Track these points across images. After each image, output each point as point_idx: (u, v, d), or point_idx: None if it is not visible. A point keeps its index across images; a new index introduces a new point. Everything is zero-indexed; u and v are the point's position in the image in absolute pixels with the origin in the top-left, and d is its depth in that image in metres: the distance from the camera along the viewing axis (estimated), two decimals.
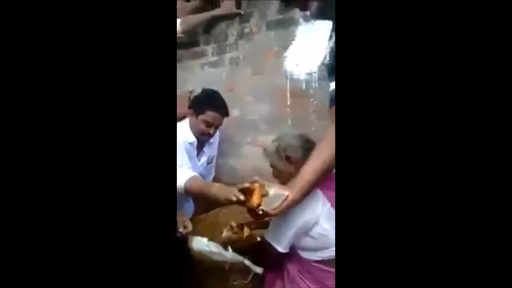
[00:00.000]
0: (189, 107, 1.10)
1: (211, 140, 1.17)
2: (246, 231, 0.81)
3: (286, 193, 0.61)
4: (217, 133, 1.24)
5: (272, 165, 0.88)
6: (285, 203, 0.61)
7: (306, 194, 0.65)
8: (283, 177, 0.84)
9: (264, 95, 1.27)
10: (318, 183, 0.65)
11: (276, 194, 0.62)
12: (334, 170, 0.64)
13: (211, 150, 1.22)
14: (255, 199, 0.61)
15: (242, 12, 1.28)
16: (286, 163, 0.82)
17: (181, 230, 0.83)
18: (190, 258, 0.82)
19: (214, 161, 1.29)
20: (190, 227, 0.88)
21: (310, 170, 0.62)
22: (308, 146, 0.82)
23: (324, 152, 0.62)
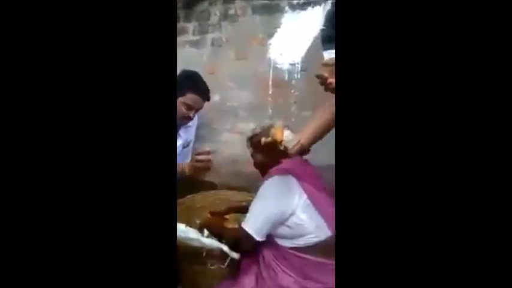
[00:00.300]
0: None
1: (189, 124, 1.15)
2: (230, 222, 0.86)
3: (298, 138, 0.82)
4: (196, 117, 1.22)
5: (252, 155, 0.90)
6: (297, 146, 0.81)
7: (312, 143, 0.85)
8: (261, 168, 0.86)
9: (246, 82, 1.25)
10: (322, 135, 0.84)
11: (290, 137, 0.81)
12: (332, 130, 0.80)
13: (187, 134, 1.19)
14: (278, 135, 0.79)
15: None
16: (264, 153, 0.84)
17: None
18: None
19: (191, 145, 1.26)
20: None
21: (314, 124, 0.84)
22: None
23: (324, 114, 0.81)
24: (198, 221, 0.97)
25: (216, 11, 1.28)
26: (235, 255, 0.79)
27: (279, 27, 1.18)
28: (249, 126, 1.23)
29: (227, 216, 1.00)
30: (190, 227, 0.84)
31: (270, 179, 0.77)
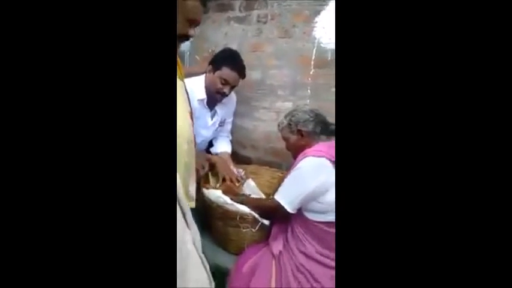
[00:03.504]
0: (209, 63, 1.10)
1: (225, 101, 1.18)
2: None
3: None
4: (234, 98, 1.26)
5: (284, 138, 0.94)
6: None
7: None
8: (295, 150, 0.90)
9: (288, 60, 1.25)
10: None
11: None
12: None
13: (224, 111, 1.23)
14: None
15: None
16: (298, 136, 0.88)
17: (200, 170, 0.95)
18: (205, 207, 0.93)
19: (228, 125, 1.31)
20: (207, 167, 1.01)
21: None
22: (319, 120, 0.87)
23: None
24: (218, 185, 1.07)
25: None
26: (265, 221, 0.87)
27: (327, 4, 1.14)
28: (286, 106, 1.26)
29: (238, 184, 1.09)
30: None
31: (305, 159, 0.81)
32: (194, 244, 0.25)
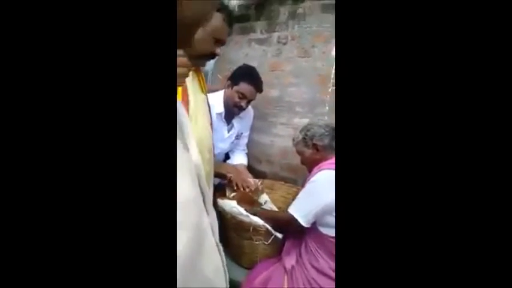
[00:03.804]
0: (228, 79, 1.16)
1: (242, 115, 1.22)
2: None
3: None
4: (251, 112, 1.30)
5: (299, 153, 0.95)
6: None
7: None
8: (310, 164, 0.90)
9: (306, 78, 1.29)
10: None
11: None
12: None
13: (241, 125, 1.28)
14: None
15: None
16: (313, 151, 0.89)
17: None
18: (219, 218, 0.94)
19: (245, 139, 1.35)
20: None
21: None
22: (334, 135, 0.88)
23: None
24: (232, 195, 1.07)
25: (285, 11, 1.35)
26: (278, 234, 0.86)
27: None
28: (304, 122, 1.28)
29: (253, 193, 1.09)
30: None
31: (321, 172, 0.81)
32: (212, 232, 0.25)
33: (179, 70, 0.48)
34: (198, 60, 0.69)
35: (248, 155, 1.39)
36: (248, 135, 1.37)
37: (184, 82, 0.63)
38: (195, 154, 0.27)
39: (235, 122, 1.25)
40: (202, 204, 0.24)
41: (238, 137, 1.31)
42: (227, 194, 1.09)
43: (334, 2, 1.20)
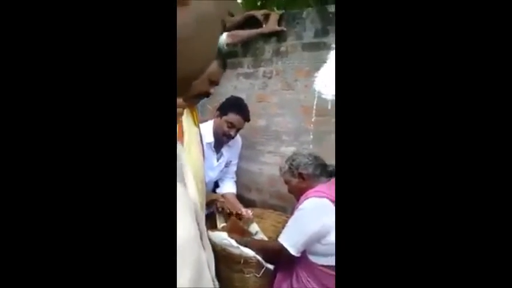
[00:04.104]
0: (217, 109, 1.22)
1: (231, 144, 1.28)
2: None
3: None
4: (239, 141, 1.36)
5: (286, 182, 0.99)
6: None
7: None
8: (298, 192, 0.94)
9: (291, 110, 1.37)
10: None
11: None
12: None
13: (230, 154, 1.32)
14: None
15: (285, 29, 1.37)
16: (299, 179, 0.93)
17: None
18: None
19: (233, 167, 1.38)
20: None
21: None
22: (319, 162, 0.92)
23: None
24: (222, 224, 1.07)
25: (269, 48, 1.47)
26: (270, 266, 0.85)
27: (325, 62, 1.29)
28: (290, 150, 1.33)
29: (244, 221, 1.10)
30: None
31: (308, 200, 0.84)
32: (208, 267, 0.25)
33: (178, 110, 0.52)
34: (194, 99, 0.76)
35: (237, 183, 1.41)
36: (237, 163, 1.40)
37: (180, 120, 0.67)
38: (192, 190, 0.28)
39: (224, 150, 1.29)
40: (200, 242, 0.24)
41: (227, 165, 1.34)
42: (218, 224, 1.09)
43: (312, 40, 1.32)
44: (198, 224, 0.25)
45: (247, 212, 1.14)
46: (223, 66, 0.82)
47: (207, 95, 0.77)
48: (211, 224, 1.08)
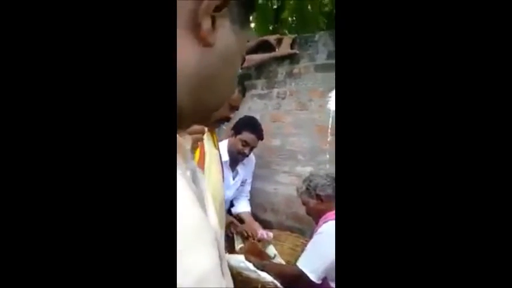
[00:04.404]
0: (231, 129, 1.25)
1: (245, 162, 1.29)
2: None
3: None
4: (253, 159, 1.37)
5: (304, 203, 0.97)
6: None
7: None
8: (316, 214, 0.91)
9: (306, 129, 1.37)
10: None
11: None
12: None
13: (245, 172, 1.33)
14: None
15: (298, 52, 1.41)
16: (317, 201, 0.91)
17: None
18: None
19: (248, 186, 1.38)
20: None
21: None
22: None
23: None
24: (240, 246, 1.04)
25: (282, 70, 1.51)
26: None
27: None
28: (306, 170, 1.32)
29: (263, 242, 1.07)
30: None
31: (327, 223, 0.81)
32: None
33: (196, 136, 0.56)
34: (214, 123, 0.81)
35: (252, 203, 1.39)
36: (251, 182, 1.39)
37: (200, 144, 0.71)
38: (213, 217, 0.28)
39: (239, 168, 1.30)
40: (220, 269, 0.24)
41: (243, 183, 1.34)
42: (236, 245, 1.07)
43: (325, 62, 1.35)
44: (219, 252, 0.24)
45: (268, 234, 1.11)
46: (243, 92, 0.87)
47: (228, 119, 0.82)
48: (229, 245, 1.06)
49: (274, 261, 1.04)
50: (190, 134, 0.56)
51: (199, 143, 0.60)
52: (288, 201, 1.38)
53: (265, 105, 1.55)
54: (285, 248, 1.17)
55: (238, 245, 1.08)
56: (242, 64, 0.27)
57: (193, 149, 0.69)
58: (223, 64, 0.21)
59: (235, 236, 1.10)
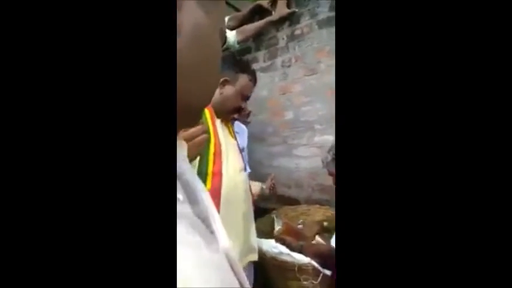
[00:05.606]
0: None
1: (238, 131, 1.17)
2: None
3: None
4: (245, 128, 1.25)
5: (331, 174, 0.89)
6: None
7: None
8: None
9: (317, 95, 1.26)
10: None
11: None
12: None
13: (241, 141, 1.17)
14: None
15: (297, 10, 1.25)
16: None
17: None
18: (261, 259, 0.88)
19: (246, 155, 1.26)
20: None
21: None
22: None
23: None
24: (278, 227, 1.02)
25: (283, 35, 1.37)
26: (327, 271, 0.78)
27: None
28: (326, 139, 1.23)
29: (300, 226, 1.02)
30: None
31: None
32: None
33: (199, 138, 0.54)
34: (227, 114, 0.79)
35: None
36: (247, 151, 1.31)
37: (207, 133, 0.67)
38: (222, 235, 0.25)
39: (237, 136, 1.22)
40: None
41: (242, 151, 1.27)
42: (275, 226, 1.05)
43: (328, 15, 1.19)
44: (234, 272, 0.23)
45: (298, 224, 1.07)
46: (254, 81, 0.81)
47: (240, 110, 0.78)
48: (271, 226, 1.05)
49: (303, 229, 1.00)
50: (186, 139, 0.50)
51: (202, 133, 0.55)
52: (311, 174, 1.31)
53: (271, 78, 1.44)
54: (318, 220, 1.13)
55: (278, 226, 1.05)
56: (224, 41, 0.24)
57: (198, 155, 0.65)
58: (197, 49, 0.19)
59: (275, 219, 1.07)
